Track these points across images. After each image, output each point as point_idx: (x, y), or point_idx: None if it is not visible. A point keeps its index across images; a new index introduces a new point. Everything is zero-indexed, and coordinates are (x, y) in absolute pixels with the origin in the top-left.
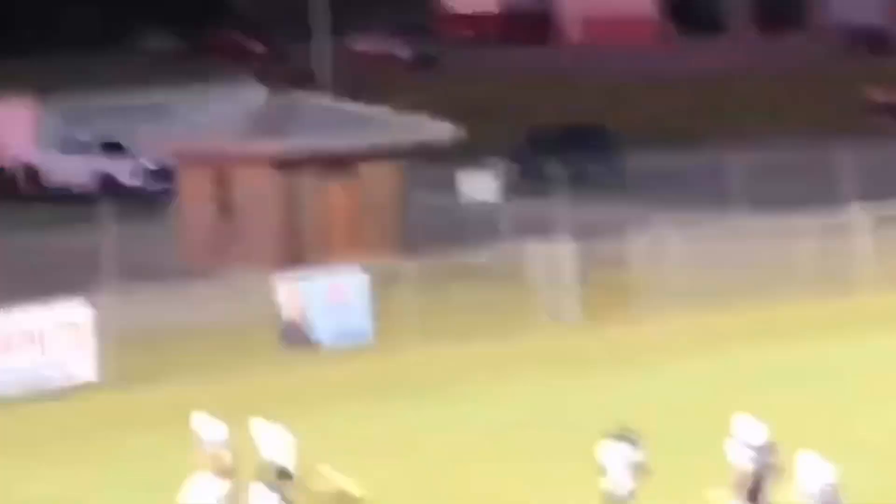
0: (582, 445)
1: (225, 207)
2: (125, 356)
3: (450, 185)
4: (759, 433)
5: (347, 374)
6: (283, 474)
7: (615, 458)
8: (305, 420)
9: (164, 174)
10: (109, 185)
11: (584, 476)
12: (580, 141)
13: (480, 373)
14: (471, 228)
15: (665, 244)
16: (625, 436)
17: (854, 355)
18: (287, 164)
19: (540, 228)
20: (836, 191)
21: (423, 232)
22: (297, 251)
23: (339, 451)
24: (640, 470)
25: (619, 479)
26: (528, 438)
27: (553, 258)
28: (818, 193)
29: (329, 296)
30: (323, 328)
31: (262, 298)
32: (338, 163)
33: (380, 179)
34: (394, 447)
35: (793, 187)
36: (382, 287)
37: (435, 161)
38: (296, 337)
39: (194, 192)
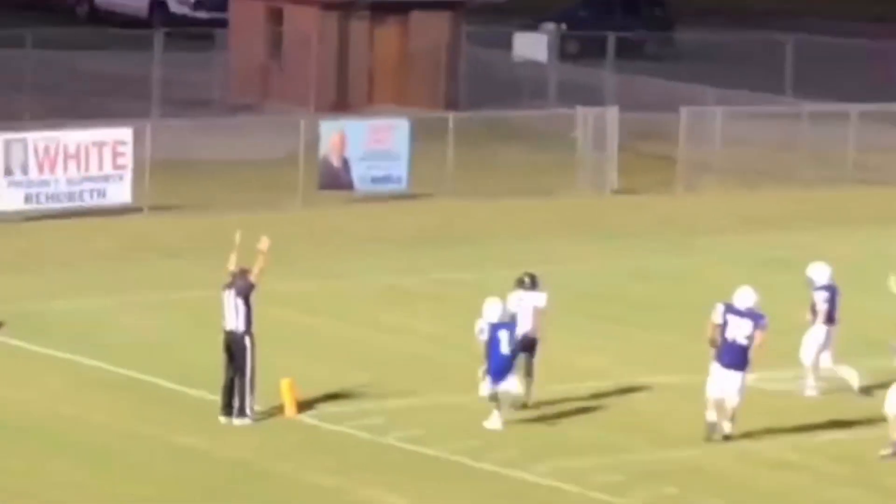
0: (602, 312)
1: (274, 44)
2: (163, 183)
3: (503, 43)
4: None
5: (378, 220)
6: None
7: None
8: (331, 262)
9: (215, 4)
10: (160, 12)
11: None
12: (634, 8)
13: (509, 229)
14: (520, 88)
15: (712, 120)
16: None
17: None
18: (339, 6)
19: (589, 94)
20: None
21: (471, 86)
22: (342, 93)
23: (360, 297)
24: None
25: None
26: (550, 299)
27: (598, 124)
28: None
29: (370, 140)
30: (360, 172)
31: (303, 137)
32: (390, 8)
33: (432, 29)
34: (415, 295)
35: (849, 74)
36: (424, 137)
37: (489, 17)
38: (333, 178)
39: (245, 25)
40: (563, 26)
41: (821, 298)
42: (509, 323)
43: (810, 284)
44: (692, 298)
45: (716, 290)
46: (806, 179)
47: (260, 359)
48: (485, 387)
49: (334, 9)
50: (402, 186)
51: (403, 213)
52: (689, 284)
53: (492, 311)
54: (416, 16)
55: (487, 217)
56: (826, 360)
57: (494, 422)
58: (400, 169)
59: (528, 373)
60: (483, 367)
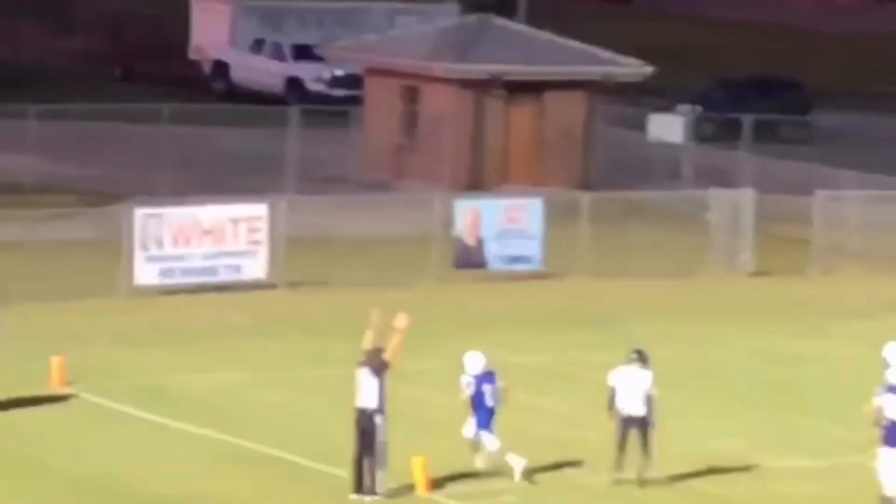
0: (737, 394)
1: (409, 122)
2: (297, 259)
3: (637, 124)
4: None
5: (511, 300)
6: None
7: None
8: (463, 341)
9: (350, 82)
10: (296, 89)
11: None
12: (770, 91)
13: (642, 310)
14: (654, 168)
15: (845, 204)
16: None
17: None
18: (475, 85)
19: (723, 175)
20: None
21: (605, 166)
22: (476, 172)
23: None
24: None
25: None
26: (684, 382)
27: (733, 206)
28: None
29: (504, 220)
30: (495, 251)
31: (437, 215)
32: (525, 87)
33: (566, 108)
34: (547, 375)
35: None
36: (558, 216)
37: (622, 98)
38: (467, 257)
39: (380, 103)
40: (699, 108)
41: None
42: (490, 376)
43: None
44: (828, 381)
45: (851, 374)
46: None
47: (390, 436)
48: (468, 428)
49: (470, 87)
50: (536, 266)
51: (537, 292)
52: (824, 367)
53: (474, 364)
54: (551, 95)
55: (620, 297)
56: None
57: (479, 461)
58: (534, 248)
59: (645, 451)
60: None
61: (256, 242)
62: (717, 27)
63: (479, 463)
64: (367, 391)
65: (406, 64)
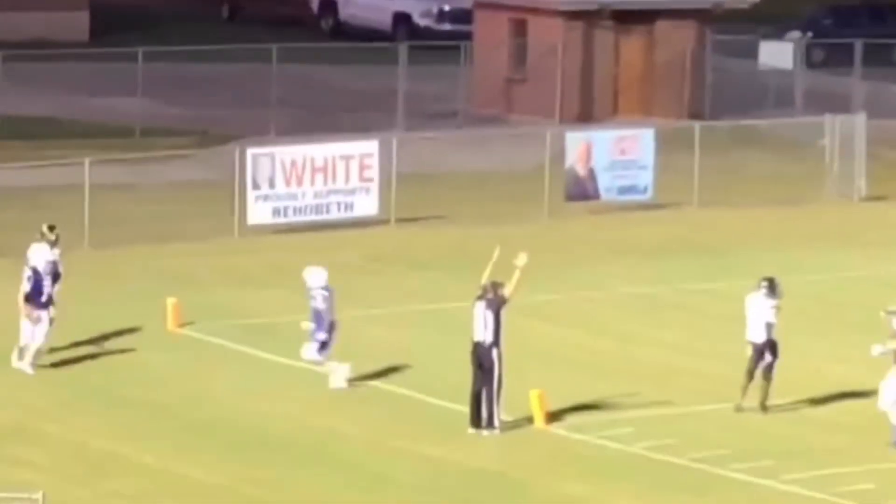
0: (854, 320)
1: (518, 55)
2: (409, 195)
3: (748, 52)
4: None
5: (624, 231)
6: None
7: None
8: (578, 273)
9: (458, 17)
10: (404, 25)
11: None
12: (881, 15)
13: (758, 240)
14: (764, 95)
15: None
16: None
17: None
18: (584, 16)
19: (835, 101)
20: None
21: (716, 94)
22: (587, 104)
23: (610, 307)
24: None
25: None
26: (802, 309)
27: (846, 131)
28: None
29: (615, 151)
30: (606, 182)
31: (549, 149)
32: (635, 17)
33: (676, 38)
34: (668, 306)
35: None
36: (670, 147)
37: (733, 25)
38: (579, 189)
39: (489, 37)
40: (809, 34)
41: None
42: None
43: None
44: None
45: None
46: None
47: (507, 370)
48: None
49: (579, 19)
50: (648, 196)
51: (649, 223)
52: None
53: (316, 277)
54: (661, 25)
55: (733, 226)
56: None
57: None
58: (646, 179)
59: (766, 377)
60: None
61: (368, 179)
62: None
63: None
64: (483, 326)
65: None
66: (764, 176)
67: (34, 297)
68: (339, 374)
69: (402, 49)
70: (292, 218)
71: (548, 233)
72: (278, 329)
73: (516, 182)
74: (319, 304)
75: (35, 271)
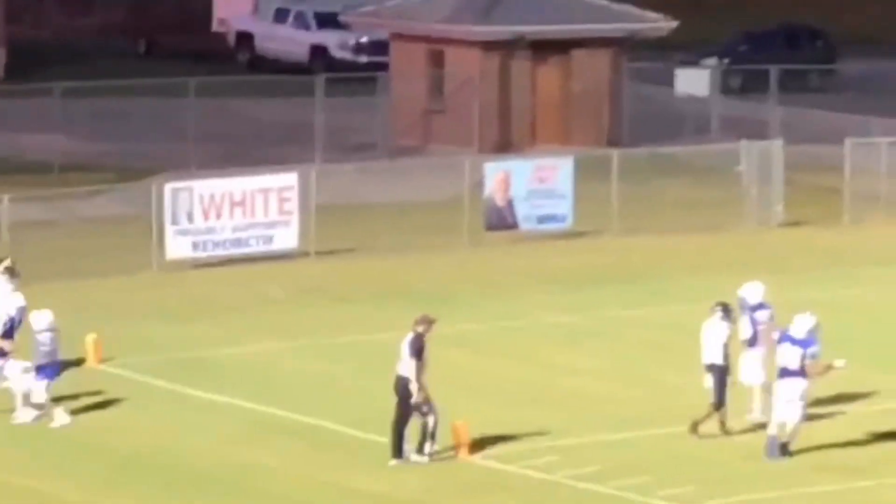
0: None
1: (435, 86)
2: (329, 227)
3: (665, 79)
4: None
5: (544, 259)
6: None
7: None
8: (498, 302)
9: (376, 48)
10: (321, 58)
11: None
12: (796, 41)
13: (677, 266)
14: (681, 123)
15: (877, 151)
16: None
17: None
18: (500, 47)
19: (752, 127)
20: None
21: (634, 123)
22: (505, 133)
23: (531, 336)
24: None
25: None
26: None
27: (763, 157)
28: None
29: (534, 180)
30: (525, 211)
31: (468, 178)
32: (551, 47)
33: (593, 66)
34: (588, 334)
35: None
36: (588, 175)
37: (649, 53)
38: (498, 218)
39: (406, 68)
40: (725, 61)
41: (760, 319)
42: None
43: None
44: (861, 330)
45: (884, 322)
46: None
47: (434, 401)
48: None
49: (495, 49)
50: (568, 225)
51: (569, 251)
52: (857, 316)
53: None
54: (578, 54)
55: (653, 254)
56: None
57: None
58: (565, 207)
59: (715, 401)
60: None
61: (287, 212)
62: None
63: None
64: (406, 358)
65: (430, 28)
66: (682, 203)
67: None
68: (54, 415)
69: (320, 81)
70: (211, 252)
71: (468, 263)
72: (200, 363)
73: (436, 212)
74: (47, 345)
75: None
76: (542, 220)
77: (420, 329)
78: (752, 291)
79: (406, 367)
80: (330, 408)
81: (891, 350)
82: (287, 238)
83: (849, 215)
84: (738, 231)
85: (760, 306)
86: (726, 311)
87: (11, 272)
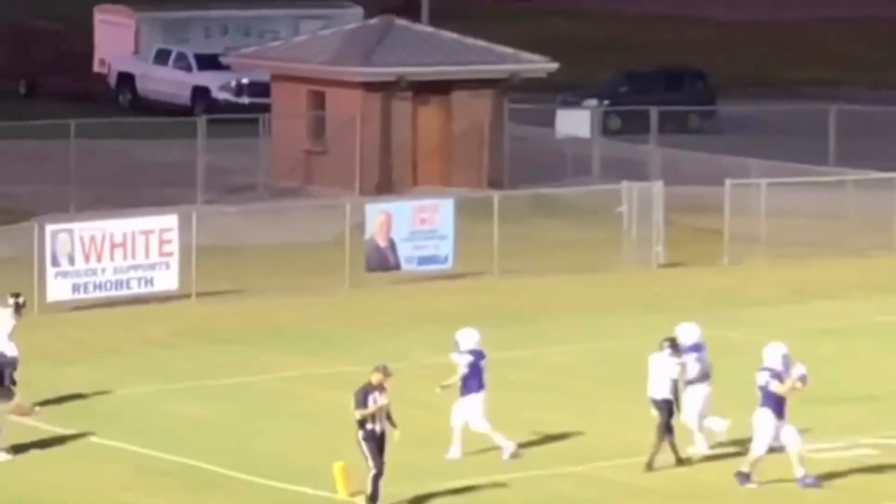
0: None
1: (317, 127)
2: (210, 269)
3: (546, 121)
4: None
5: (426, 300)
6: None
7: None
8: (380, 343)
9: (257, 90)
10: (203, 99)
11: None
12: (676, 82)
13: (559, 307)
14: (562, 164)
15: (754, 192)
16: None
17: None
18: (381, 88)
19: (633, 169)
20: None
21: (515, 164)
22: (386, 175)
23: (415, 377)
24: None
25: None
26: (599, 376)
27: (643, 199)
28: None
29: (415, 221)
30: (407, 253)
31: (348, 220)
32: (432, 88)
33: (474, 107)
34: None
35: (885, 143)
36: (470, 216)
37: (530, 94)
38: (380, 260)
39: (287, 110)
40: (606, 102)
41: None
42: None
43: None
44: (743, 371)
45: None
46: (853, 248)
47: (311, 442)
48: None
49: (377, 90)
50: (449, 266)
51: (451, 292)
52: (739, 357)
53: None
54: (458, 95)
55: (535, 294)
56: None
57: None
58: (446, 248)
59: (662, 434)
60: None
61: (168, 254)
62: (621, 20)
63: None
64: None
65: (311, 69)
66: (564, 244)
67: None
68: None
69: (201, 122)
70: (92, 294)
71: (350, 304)
72: (80, 406)
73: (317, 254)
74: None
75: None
76: (424, 261)
77: (373, 379)
78: (687, 333)
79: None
80: (211, 450)
81: None
82: (168, 280)
83: (728, 256)
84: (619, 272)
85: (696, 347)
86: (674, 346)
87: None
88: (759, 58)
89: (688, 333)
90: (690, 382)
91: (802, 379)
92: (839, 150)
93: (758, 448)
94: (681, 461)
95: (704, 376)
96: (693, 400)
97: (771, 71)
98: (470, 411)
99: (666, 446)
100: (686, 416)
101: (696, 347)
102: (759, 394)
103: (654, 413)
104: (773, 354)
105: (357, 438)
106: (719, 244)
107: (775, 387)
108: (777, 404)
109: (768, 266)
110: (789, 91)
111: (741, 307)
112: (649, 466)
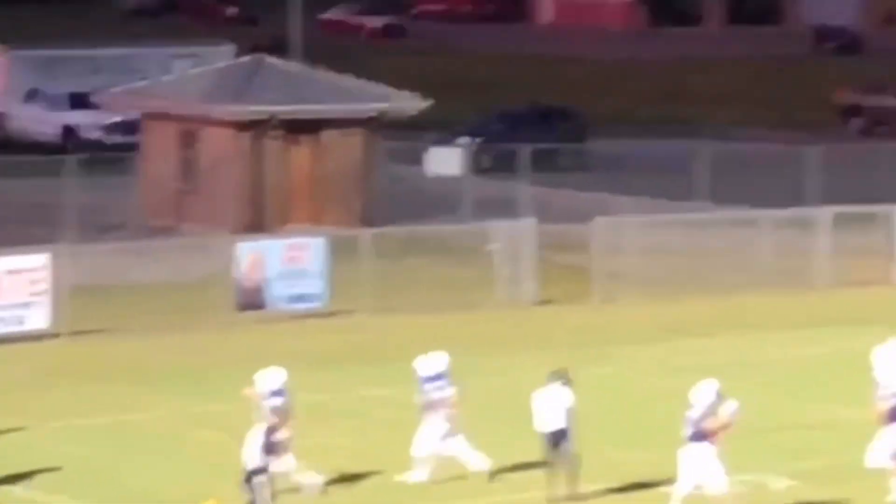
0: (516, 419)
1: (188, 166)
2: (81, 308)
3: (416, 158)
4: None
5: (297, 339)
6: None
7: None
8: (251, 382)
9: (128, 128)
10: (73, 138)
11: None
12: (547, 121)
13: (431, 345)
14: (433, 202)
15: (624, 230)
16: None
17: (800, 350)
18: (252, 127)
19: (504, 207)
20: (799, 187)
21: (385, 202)
22: (257, 213)
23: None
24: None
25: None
26: (472, 413)
27: (514, 237)
28: (781, 188)
29: (287, 259)
30: (278, 291)
31: (220, 259)
32: (302, 128)
33: (345, 146)
34: (338, 413)
35: (755, 180)
36: (340, 254)
37: (402, 132)
38: (251, 299)
39: (157, 149)
40: (477, 140)
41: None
42: None
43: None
44: (612, 408)
45: (635, 401)
46: (722, 285)
47: (182, 479)
48: None
49: (248, 129)
50: (321, 304)
51: (322, 331)
52: (608, 394)
53: None
54: (330, 133)
55: (406, 333)
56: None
57: None
58: (317, 287)
59: (569, 465)
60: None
61: (38, 293)
62: (494, 59)
63: None
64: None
65: (182, 107)
66: (435, 282)
67: None
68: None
69: (71, 161)
70: None
71: (221, 343)
72: None
73: (188, 293)
74: None
75: None
76: (295, 299)
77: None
78: (430, 364)
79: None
80: (83, 488)
81: (642, 428)
82: (38, 319)
83: (599, 294)
84: (491, 310)
85: (437, 377)
86: (564, 378)
87: None
88: (629, 96)
89: (431, 364)
90: (427, 410)
91: (732, 415)
92: (707, 188)
93: (682, 486)
94: (571, 495)
95: (441, 406)
96: (429, 428)
97: (640, 109)
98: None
99: (562, 477)
100: (420, 446)
101: (439, 377)
102: (687, 431)
103: (546, 447)
104: (704, 392)
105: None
106: (589, 282)
107: (707, 424)
108: (705, 441)
109: (639, 303)
110: (658, 129)
111: (613, 344)
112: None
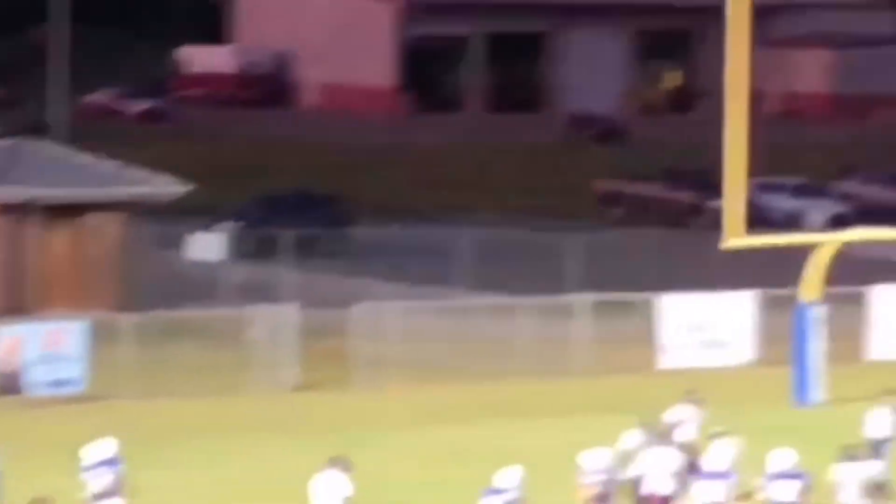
0: None
1: None
2: None
3: (178, 243)
4: None
5: (58, 425)
6: None
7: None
8: (12, 470)
9: None
10: None
11: None
12: (310, 207)
13: (189, 430)
14: (194, 287)
15: (385, 316)
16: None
17: (555, 438)
18: (11, 210)
19: (265, 291)
20: (559, 274)
21: (145, 287)
22: (17, 298)
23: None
24: None
25: None
26: (222, 499)
27: (275, 322)
28: (542, 275)
29: (45, 344)
30: (36, 376)
31: None
32: (63, 212)
33: (106, 230)
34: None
35: (516, 267)
36: (101, 339)
37: (163, 217)
38: (7, 384)
39: None
40: (241, 224)
41: None
42: None
43: None
44: (368, 496)
45: (399, 488)
46: (483, 372)
47: None
48: None
49: (7, 212)
50: (80, 389)
51: (82, 415)
52: (365, 481)
53: None
54: (91, 217)
55: (167, 417)
56: None
57: None
58: (77, 371)
59: None
60: None
61: None
62: (259, 145)
63: None
64: None
65: None
66: (196, 367)
67: None
68: None
69: None
70: None
71: None
72: None
73: None
74: None
75: None
76: (54, 384)
77: None
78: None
79: None
80: None
81: None
82: None
83: (359, 379)
84: (252, 394)
85: (112, 462)
86: (345, 465)
87: None
88: (393, 182)
89: (101, 450)
90: (100, 497)
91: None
92: (470, 274)
93: None
94: None
95: (116, 490)
96: None
97: (404, 195)
98: None
99: None
100: None
101: (112, 462)
102: None
103: None
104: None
105: None
106: (351, 367)
107: None
108: None
109: (399, 389)
110: (421, 215)
111: (371, 430)
112: None
